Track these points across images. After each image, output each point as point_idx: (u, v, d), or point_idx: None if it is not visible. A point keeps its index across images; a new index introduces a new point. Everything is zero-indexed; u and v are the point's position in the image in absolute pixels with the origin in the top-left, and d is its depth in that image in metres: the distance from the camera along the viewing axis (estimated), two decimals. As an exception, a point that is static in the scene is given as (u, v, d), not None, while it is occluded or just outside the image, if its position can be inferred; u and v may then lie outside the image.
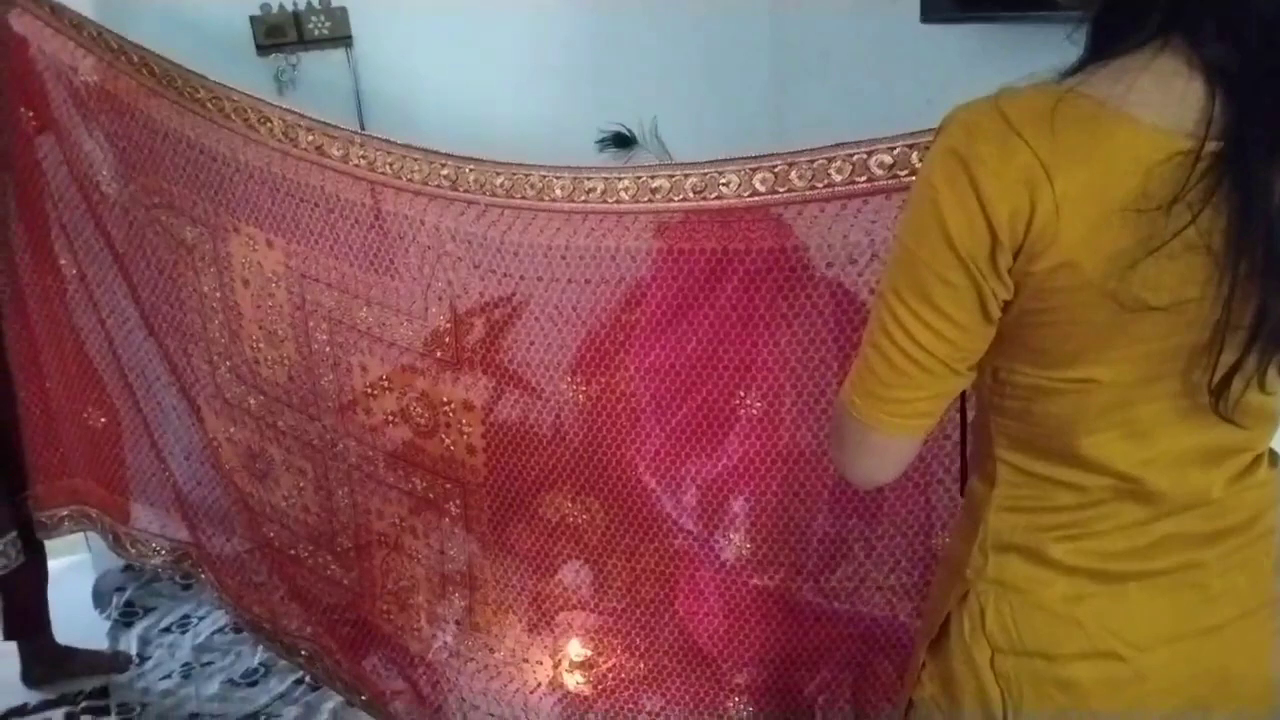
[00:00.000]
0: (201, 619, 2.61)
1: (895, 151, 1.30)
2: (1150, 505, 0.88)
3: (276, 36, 2.56)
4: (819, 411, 1.48)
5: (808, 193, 1.36)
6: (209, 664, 2.44)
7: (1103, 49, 0.80)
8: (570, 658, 1.81)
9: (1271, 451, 0.93)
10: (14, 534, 2.15)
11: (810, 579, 1.58)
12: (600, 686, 1.77)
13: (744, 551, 1.58)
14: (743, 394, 1.51)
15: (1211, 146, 0.73)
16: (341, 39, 2.59)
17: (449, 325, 1.68)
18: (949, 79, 2.12)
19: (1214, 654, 0.91)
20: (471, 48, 2.67)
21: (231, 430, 2.01)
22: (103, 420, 2.15)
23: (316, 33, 2.57)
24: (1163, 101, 0.75)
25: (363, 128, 2.61)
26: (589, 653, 1.78)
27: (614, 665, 1.76)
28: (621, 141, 2.61)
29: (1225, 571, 0.90)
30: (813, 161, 1.35)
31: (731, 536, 1.59)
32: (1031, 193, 0.75)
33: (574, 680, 1.80)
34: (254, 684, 2.35)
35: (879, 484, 0.97)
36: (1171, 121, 0.74)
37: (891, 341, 0.85)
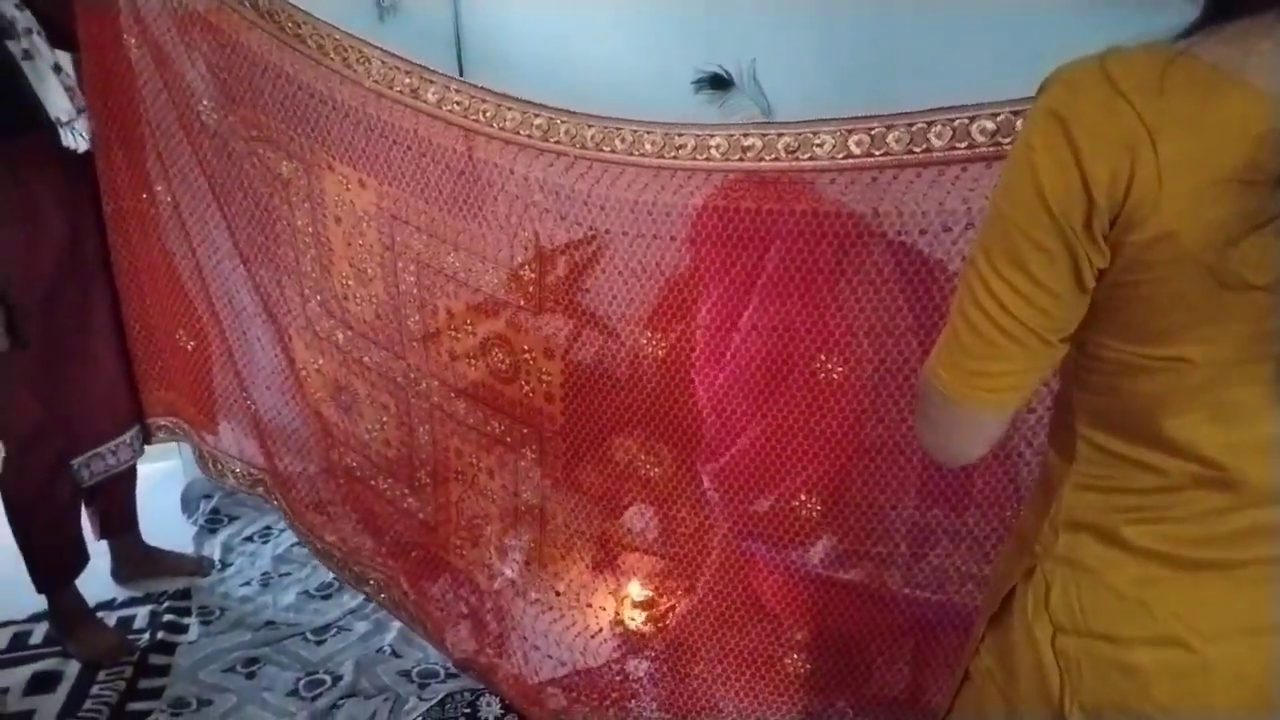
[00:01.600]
0: (283, 530, 2.67)
1: (999, 117, 1.26)
2: (1232, 493, 0.84)
3: (381, -39, 2.55)
4: (900, 381, 1.46)
5: (904, 157, 1.33)
6: (286, 575, 2.52)
7: (1224, 10, 0.75)
8: (631, 597, 1.84)
9: None
10: (137, 428, 2.27)
11: (899, 568, 1.58)
12: (659, 627, 1.80)
13: (816, 517, 1.58)
14: (824, 358, 1.50)
15: None
16: (447, -34, 2.58)
17: (533, 275, 1.69)
18: (1068, 37, 2.02)
19: None
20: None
21: (320, 362, 2.06)
22: (191, 344, 2.21)
23: (421, -41, 2.56)
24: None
25: (459, 58, 2.61)
26: (650, 594, 1.80)
27: (673, 608, 1.78)
28: (718, 83, 2.55)
29: None
30: (911, 125, 1.32)
31: (805, 500, 1.58)
32: (1133, 157, 0.72)
33: (633, 619, 1.83)
34: (328, 597, 2.43)
35: (965, 462, 0.94)
36: None
37: (981, 310, 0.82)
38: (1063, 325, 0.82)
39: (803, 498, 1.57)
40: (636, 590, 1.82)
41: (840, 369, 1.48)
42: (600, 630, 1.85)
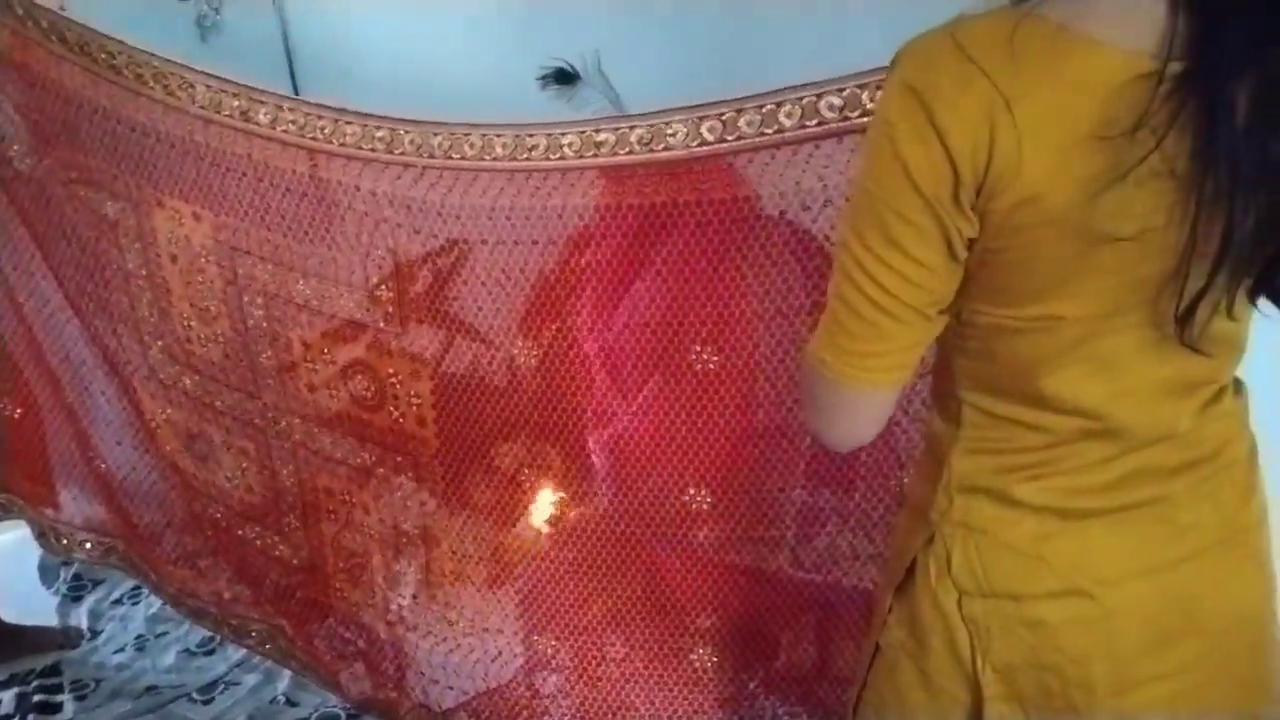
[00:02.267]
0: None
1: (845, 93, 1.26)
2: (1117, 441, 0.86)
3: (197, -22, 2.44)
4: (782, 365, 1.46)
5: (757, 139, 1.33)
6: (163, 635, 2.39)
7: None
8: (531, 613, 1.79)
9: (1236, 381, 0.93)
10: None
11: (785, 550, 1.58)
12: (562, 634, 1.75)
13: (707, 508, 1.57)
14: (699, 348, 1.49)
15: (1174, 67, 0.70)
16: (265, -22, 2.48)
17: (390, 293, 1.63)
18: (904, 10, 2.08)
19: (1183, 586, 0.91)
20: (404, -16, 2.57)
21: (169, 411, 1.94)
22: (18, 411, 2.05)
23: (239, -28, 2.46)
24: (1124, 22, 0.72)
25: (292, 74, 2.51)
26: (550, 603, 1.76)
27: (575, 612, 1.74)
28: (564, 78, 2.52)
29: (1192, 503, 0.90)
30: (761, 107, 1.31)
31: (695, 493, 1.57)
32: (991, 124, 0.73)
33: (536, 632, 1.78)
34: (211, 652, 2.31)
35: (859, 444, 0.93)
36: (1133, 42, 0.72)
37: (858, 291, 0.81)
38: (940, 298, 0.83)
39: (691, 491, 1.55)
40: (536, 603, 1.77)
41: (715, 358, 1.47)
42: (500, 653, 1.79)
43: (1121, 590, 0.90)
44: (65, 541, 2.15)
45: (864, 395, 0.87)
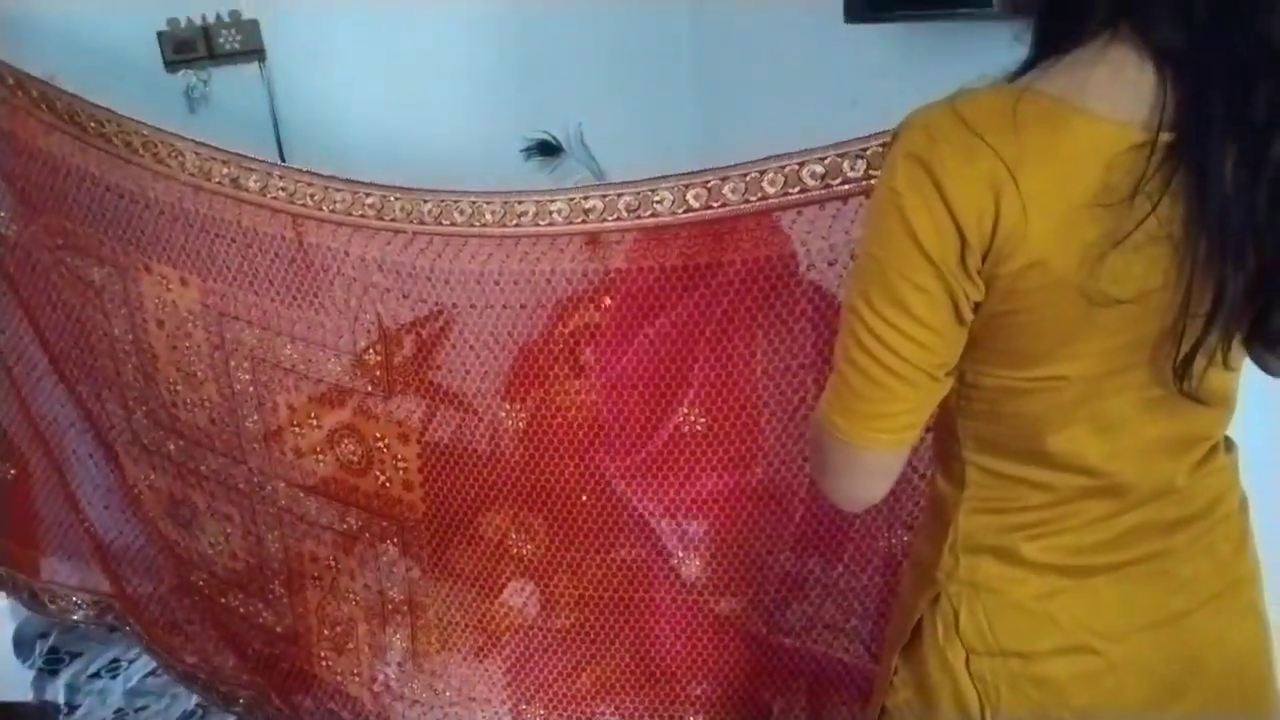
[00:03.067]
0: (132, 662, 2.45)
1: (826, 161, 1.30)
2: (1118, 498, 0.88)
3: (186, 52, 2.45)
4: (769, 420, 1.47)
5: (741, 206, 1.36)
6: (143, 709, 2.31)
7: (1052, 45, 0.80)
8: (520, 682, 1.77)
9: (1227, 438, 0.95)
10: None
11: (763, 613, 1.58)
12: (552, 704, 1.73)
13: (701, 575, 1.57)
14: (685, 410, 1.50)
15: (1165, 138, 0.73)
16: (254, 52, 2.50)
17: (380, 358, 1.64)
18: (874, 80, 2.14)
19: (1183, 639, 0.92)
20: (389, 57, 2.60)
21: (152, 477, 1.92)
22: (12, 472, 2.03)
23: (227, 47, 2.47)
24: (1117, 93, 0.75)
25: (279, 143, 2.53)
26: (538, 672, 1.74)
27: (564, 682, 1.72)
28: (547, 149, 2.57)
29: (1190, 557, 0.92)
30: (745, 175, 1.35)
31: (690, 557, 1.57)
32: (996, 194, 0.75)
33: (525, 701, 1.76)
34: (192, 728, 2.25)
35: (870, 503, 0.94)
36: (1127, 113, 0.75)
37: (868, 354, 0.83)
38: (947, 360, 0.84)
39: (680, 554, 1.55)
40: (525, 671, 1.75)
41: (703, 419, 1.48)
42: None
43: (1126, 645, 0.91)
44: (61, 604, 2.11)
45: (875, 456, 0.88)
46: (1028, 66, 0.82)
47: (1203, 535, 0.92)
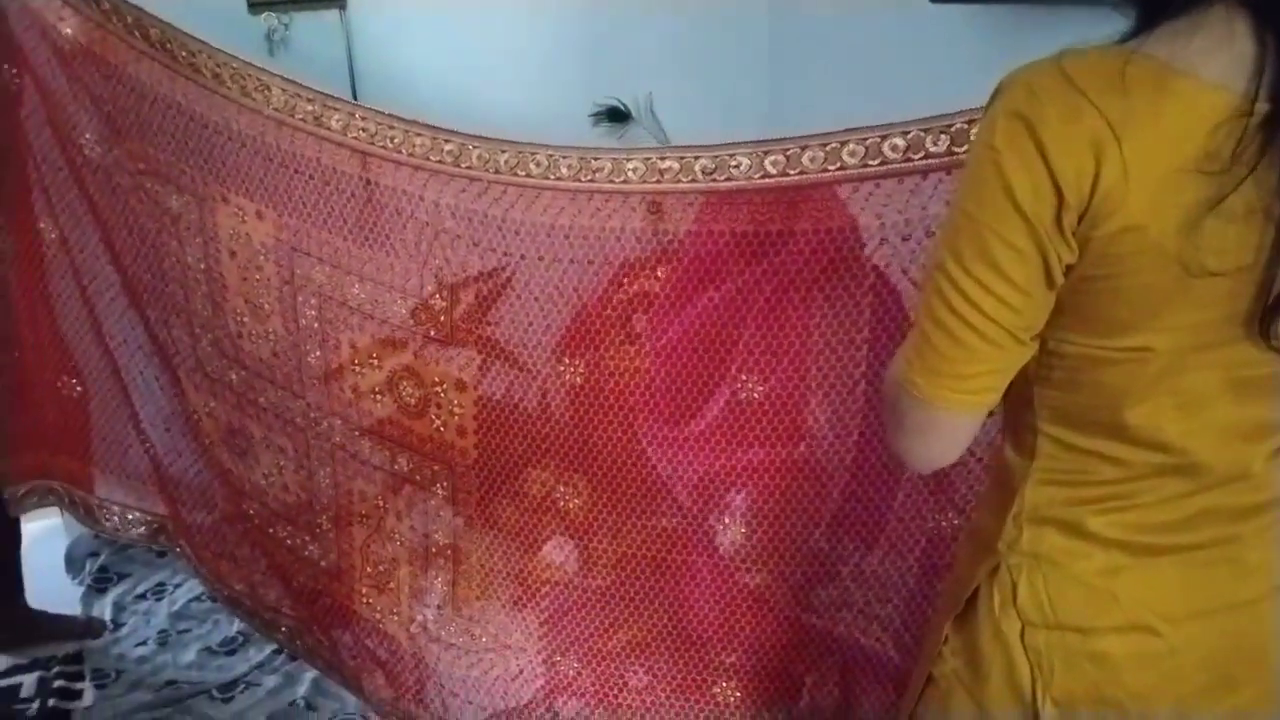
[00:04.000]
0: (177, 586, 2.56)
1: (909, 135, 1.30)
2: (1192, 478, 0.87)
3: (269, -7, 2.51)
4: (820, 396, 1.48)
5: (820, 175, 1.36)
6: (185, 631, 2.40)
7: (1155, 14, 0.79)
8: (554, 635, 1.79)
9: None
10: None
11: (794, 591, 1.58)
12: (585, 659, 1.75)
13: (738, 546, 1.58)
14: (743, 377, 1.50)
15: (1261, 108, 0.73)
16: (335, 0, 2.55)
17: (444, 302, 1.66)
18: (954, 62, 2.12)
19: (1247, 628, 0.91)
20: (467, 16, 2.64)
21: (212, 404, 1.96)
22: (79, 389, 2.09)
23: (310, -9, 2.53)
24: (1221, 60, 0.75)
25: (354, 91, 2.58)
26: (573, 628, 1.76)
27: (599, 638, 1.74)
28: (616, 116, 2.59)
29: (1260, 546, 0.90)
30: (825, 144, 1.35)
31: (727, 524, 1.58)
32: (1098, 154, 0.75)
33: (557, 655, 1.78)
34: (232, 652, 2.32)
35: (942, 465, 0.94)
36: (1231, 80, 0.74)
37: (953, 312, 0.83)
38: (1034, 323, 0.84)
39: (725, 520, 1.56)
40: (560, 625, 1.77)
41: (760, 387, 1.49)
42: (520, 672, 1.79)
43: (1188, 628, 0.90)
44: (115, 521, 2.17)
45: (954, 417, 0.88)
46: (1134, 34, 0.81)
47: (1273, 524, 0.90)
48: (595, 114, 2.58)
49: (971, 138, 1.26)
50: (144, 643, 2.36)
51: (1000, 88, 0.81)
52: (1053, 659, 0.91)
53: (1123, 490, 0.89)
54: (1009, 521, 0.94)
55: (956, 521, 1.44)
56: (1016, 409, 0.94)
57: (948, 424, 0.89)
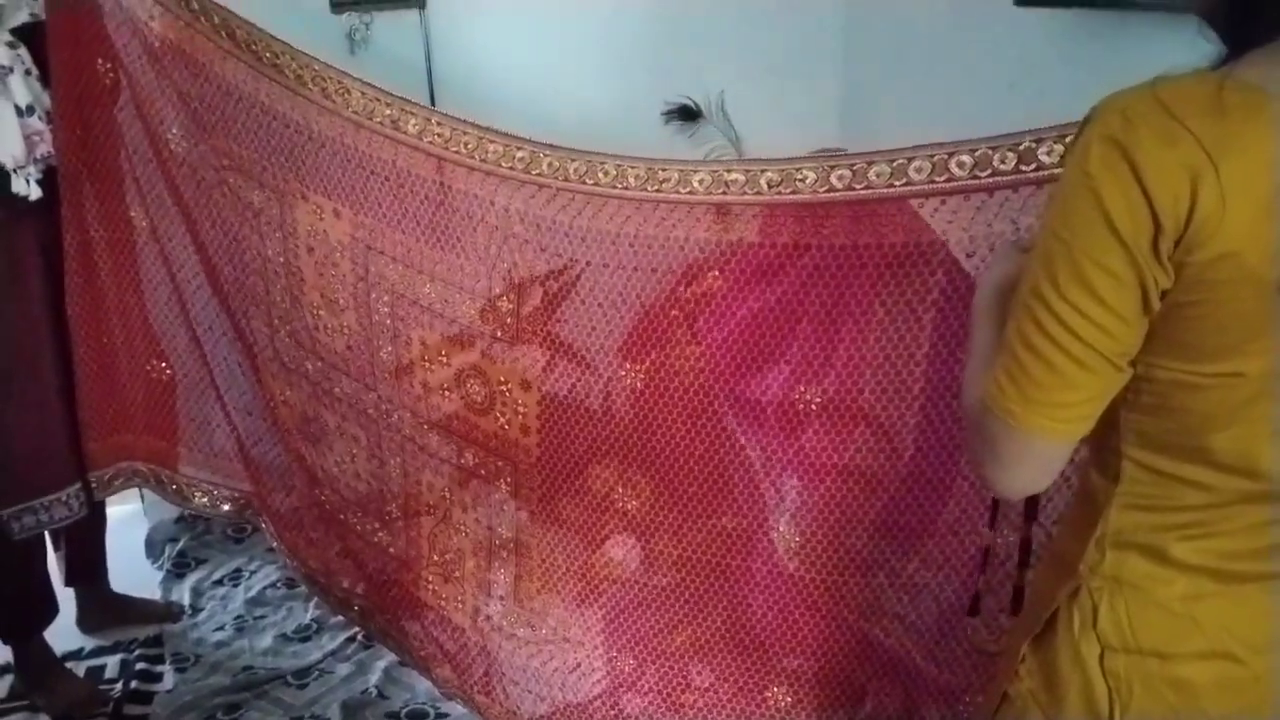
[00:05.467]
0: (254, 573, 2.63)
1: (976, 153, 1.30)
2: (1277, 505, 0.86)
3: (352, -6, 2.57)
4: (859, 411, 1.48)
5: (885, 190, 1.37)
6: (261, 618, 2.47)
7: (1242, 37, 0.79)
8: (617, 632, 1.83)
9: None
10: (78, 485, 2.14)
11: (851, 598, 1.59)
12: (647, 657, 1.79)
13: (793, 546, 1.59)
14: (802, 388, 1.52)
15: None
16: (415, 0, 2.60)
17: (511, 305, 1.70)
18: (1036, 67, 2.08)
19: None
20: (543, 16, 2.67)
21: (287, 393, 2.04)
22: (168, 372, 2.17)
23: (391, -8, 2.58)
24: None
25: (431, 90, 2.62)
26: (636, 625, 1.80)
27: (661, 637, 1.77)
28: (687, 114, 2.59)
29: None
30: (892, 160, 1.35)
31: (784, 527, 1.59)
32: (1194, 180, 0.74)
33: (621, 652, 1.82)
34: (306, 639, 2.38)
35: (1035, 492, 0.94)
36: None
37: (1050, 339, 0.82)
38: (1129, 348, 0.83)
39: (782, 528, 1.58)
40: (623, 622, 1.81)
41: (818, 398, 1.50)
42: (579, 665, 1.84)
43: (1271, 658, 0.89)
44: (205, 499, 2.25)
45: (1049, 445, 0.88)
46: (1224, 60, 0.80)
47: None
48: (667, 112, 2.59)
49: (1040, 156, 1.26)
50: (221, 628, 2.43)
51: (1093, 114, 0.81)
52: (1132, 683, 0.91)
53: (1206, 517, 0.88)
54: (1091, 545, 0.93)
55: (1014, 538, 1.43)
56: (1102, 432, 0.93)
57: (1043, 452, 0.88)
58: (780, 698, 1.68)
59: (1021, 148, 1.26)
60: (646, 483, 1.70)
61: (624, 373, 1.65)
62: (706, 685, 1.74)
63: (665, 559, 1.73)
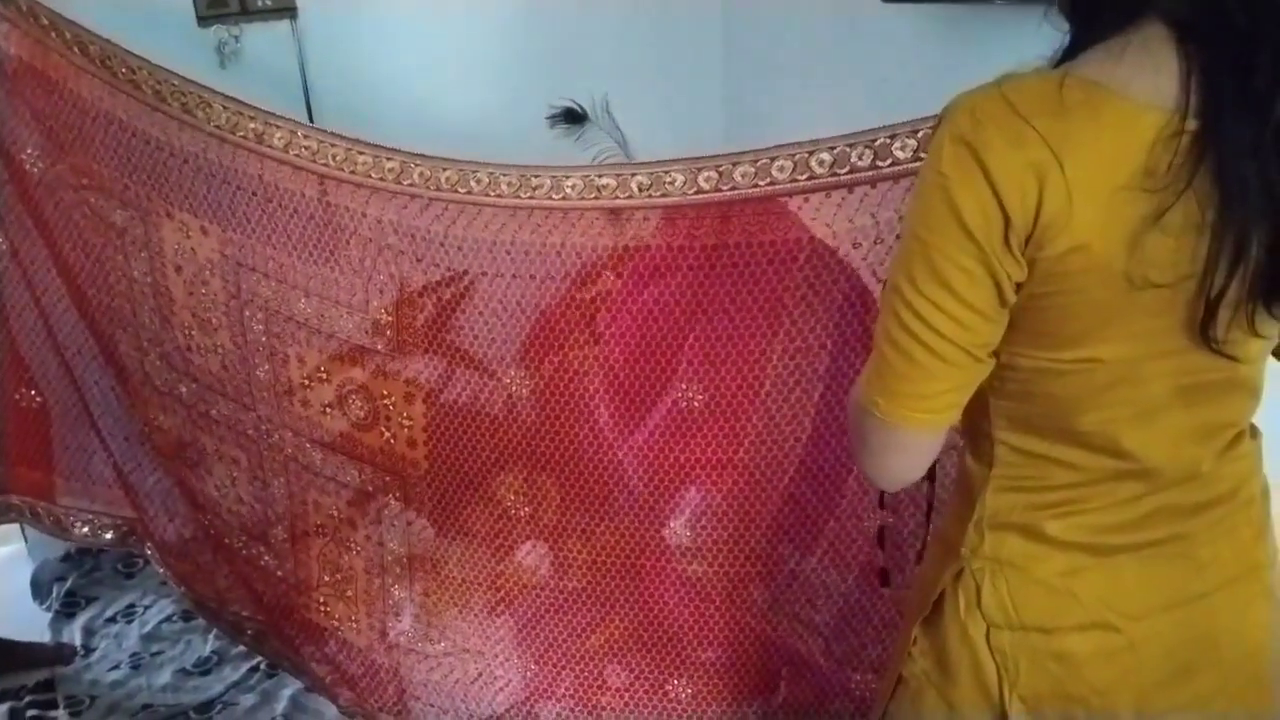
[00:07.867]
0: (147, 608, 2.53)
1: (835, 150, 1.33)
2: (1145, 481, 0.90)
3: (218, 6, 2.48)
4: (749, 407, 1.51)
5: (750, 191, 1.39)
6: (159, 653, 2.37)
7: (1086, 32, 0.82)
8: (531, 640, 1.82)
9: (1252, 425, 0.97)
10: None
11: (754, 589, 1.62)
12: (562, 663, 1.79)
13: (688, 544, 1.61)
14: (684, 386, 1.54)
15: (1190, 125, 0.75)
16: (285, 9, 2.53)
17: (390, 318, 1.68)
18: (906, 61, 2.15)
19: (1201, 620, 0.94)
20: (419, 20, 2.63)
21: (161, 418, 1.97)
22: (39, 400, 2.08)
23: (260, 3, 2.49)
24: (1153, 80, 0.77)
25: (308, 101, 2.57)
26: (550, 629, 1.79)
27: (575, 641, 1.77)
28: (573, 117, 2.59)
29: (1211, 541, 0.94)
30: (756, 160, 1.38)
31: (679, 525, 1.61)
32: (1041, 179, 0.77)
33: (536, 659, 1.82)
34: (207, 672, 2.29)
35: (909, 483, 0.96)
36: (1160, 99, 0.77)
37: (910, 334, 0.85)
38: (989, 340, 0.86)
39: (672, 524, 1.60)
40: (536, 630, 1.80)
41: (701, 396, 1.52)
42: (497, 677, 1.82)
43: (1145, 624, 0.94)
44: (85, 530, 2.17)
45: (916, 436, 0.90)
46: (1069, 52, 0.84)
47: (1224, 519, 0.94)
48: (552, 115, 2.58)
49: (895, 152, 1.30)
50: (117, 666, 2.32)
51: (945, 114, 0.83)
52: (1018, 659, 0.94)
53: (1078, 495, 0.92)
54: (970, 527, 0.97)
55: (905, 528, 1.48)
56: (974, 418, 0.96)
57: (911, 443, 0.91)
58: (680, 689, 1.70)
59: (877, 144, 1.31)
60: (554, 487, 1.70)
61: (524, 377, 1.65)
62: (622, 685, 1.75)
63: (576, 563, 1.73)
